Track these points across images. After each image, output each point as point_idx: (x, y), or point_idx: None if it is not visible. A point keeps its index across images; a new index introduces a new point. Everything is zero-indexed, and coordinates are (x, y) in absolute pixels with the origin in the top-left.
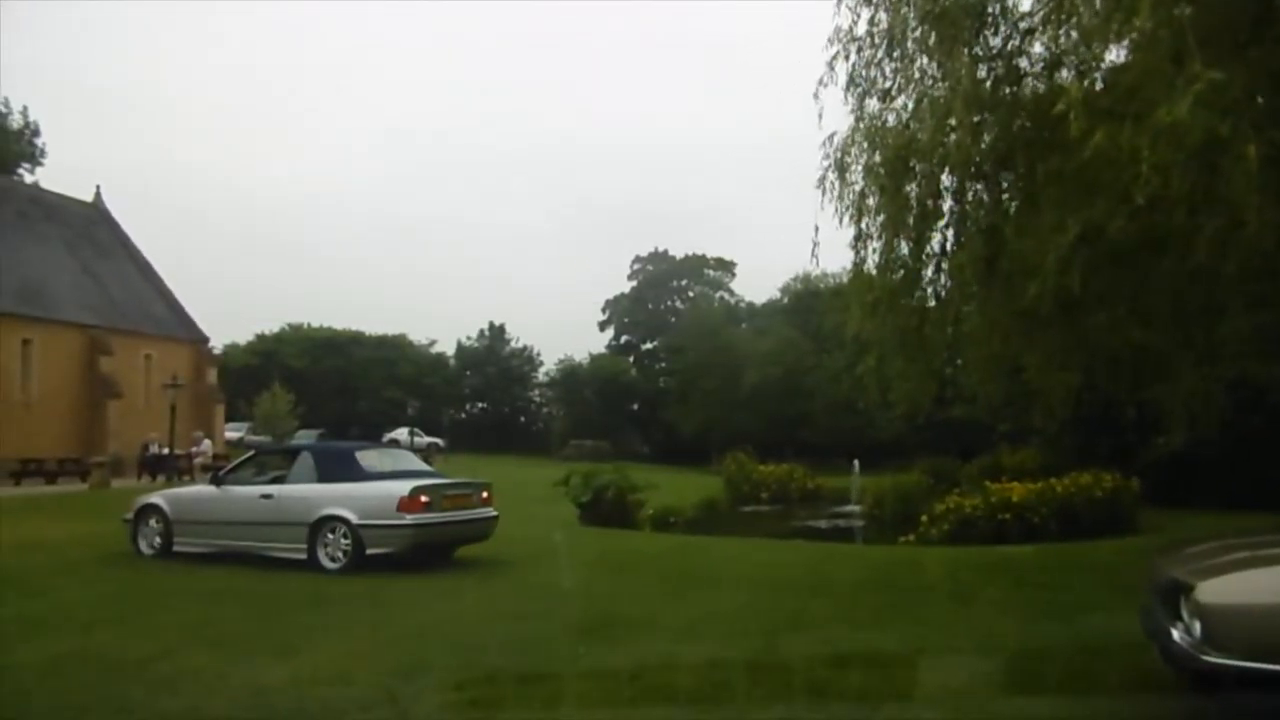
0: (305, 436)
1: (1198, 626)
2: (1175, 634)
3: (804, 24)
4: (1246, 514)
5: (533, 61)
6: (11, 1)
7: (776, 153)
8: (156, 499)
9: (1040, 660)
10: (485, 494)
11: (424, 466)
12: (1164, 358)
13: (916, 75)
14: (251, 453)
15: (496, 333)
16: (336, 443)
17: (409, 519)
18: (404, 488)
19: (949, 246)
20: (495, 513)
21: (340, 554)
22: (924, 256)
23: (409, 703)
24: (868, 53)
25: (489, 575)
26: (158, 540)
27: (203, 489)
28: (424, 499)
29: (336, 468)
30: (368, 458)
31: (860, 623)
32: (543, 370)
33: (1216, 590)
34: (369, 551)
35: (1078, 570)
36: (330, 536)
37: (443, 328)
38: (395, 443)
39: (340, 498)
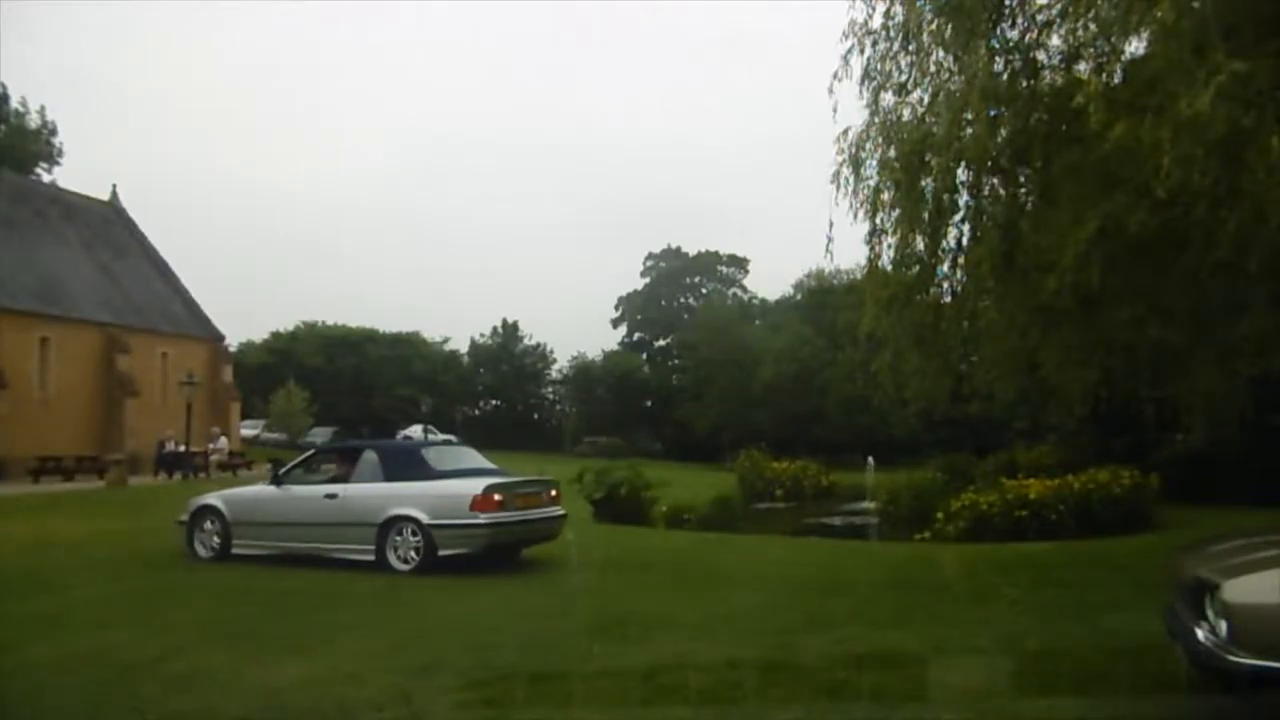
0: (319, 434)
1: (1224, 626)
2: (1200, 634)
3: (818, 20)
4: (1267, 510)
5: (546, 60)
6: (29, 3)
7: (791, 149)
8: (213, 500)
9: (1060, 660)
10: (554, 492)
11: (489, 464)
12: (1184, 354)
13: (932, 69)
14: (311, 451)
15: (510, 330)
16: (402, 440)
17: (483, 518)
18: (476, 486)
19: (965, 242)
20: (563, 511)
21: (411, 555)
22: (939, 252)
23: (423, 702)
24: (883, 46)
25: (503, 573)
26: (215, 542)
27: (262, 489)
28: (497, 498)
29: (404, 466)
30: (435, 455)
31: (877, 621)
32: (556, 367)
33: (1243, 589)
34: (442, 553)
35: (1097, 568)
36: (400, 537)
37: (456, 325)
38: (409, 439)
39: (410, 497)
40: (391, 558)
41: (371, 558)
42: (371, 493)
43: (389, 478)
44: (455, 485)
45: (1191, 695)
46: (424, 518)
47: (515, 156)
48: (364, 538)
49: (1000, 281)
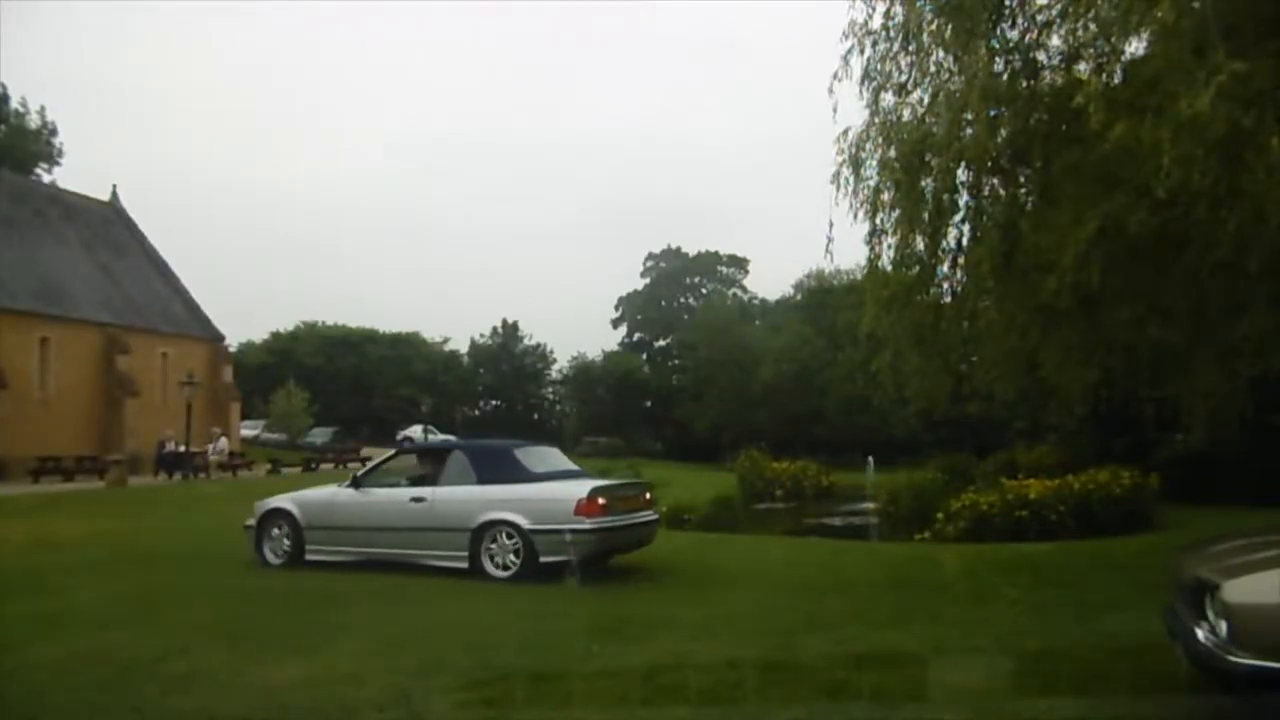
0: (319, 434)
1: (1224, 626)
2: (1200, 634)
3: (818, 20)
4: (1267, 510)
5: (545, 60)
6: (29, 3)
7: (791, 149)
8: (284, 503)
9: (1061, 660)
10: (649, 495)
11: (576, 466)
12: (1184, 354)
13: (932, 69)
14: (393, 451)
15: (509, 330)
16: (490, 440)
17: (589, 523)
18: (580, 489)
19: (965, 242)
20: (657, 515)
21: (509, 562)
22: (939, 252)
23: (423, 702)
24: (883, 46)
25: None
26: (286, 548)
27: (338, 491)
28: (602, 501)
29: (497, 468)
30: (528, 456)
31: (877, 621)
32: (556, 367)
33: (1243, 589)
34: (543, 559)
35: (1097, 568)
36: (497, 543)
37: (456, 325)
38: (410, 439)
39: (508, 501)
40: (488, 565)
41: (464, 565)
42: (464, 496)
43: (481, 480)
44: (557, 488)
45: (1191, 695)
46: (524, 523)
47: (515, 156)
48: (456, 544)
49: (1000, 281)
